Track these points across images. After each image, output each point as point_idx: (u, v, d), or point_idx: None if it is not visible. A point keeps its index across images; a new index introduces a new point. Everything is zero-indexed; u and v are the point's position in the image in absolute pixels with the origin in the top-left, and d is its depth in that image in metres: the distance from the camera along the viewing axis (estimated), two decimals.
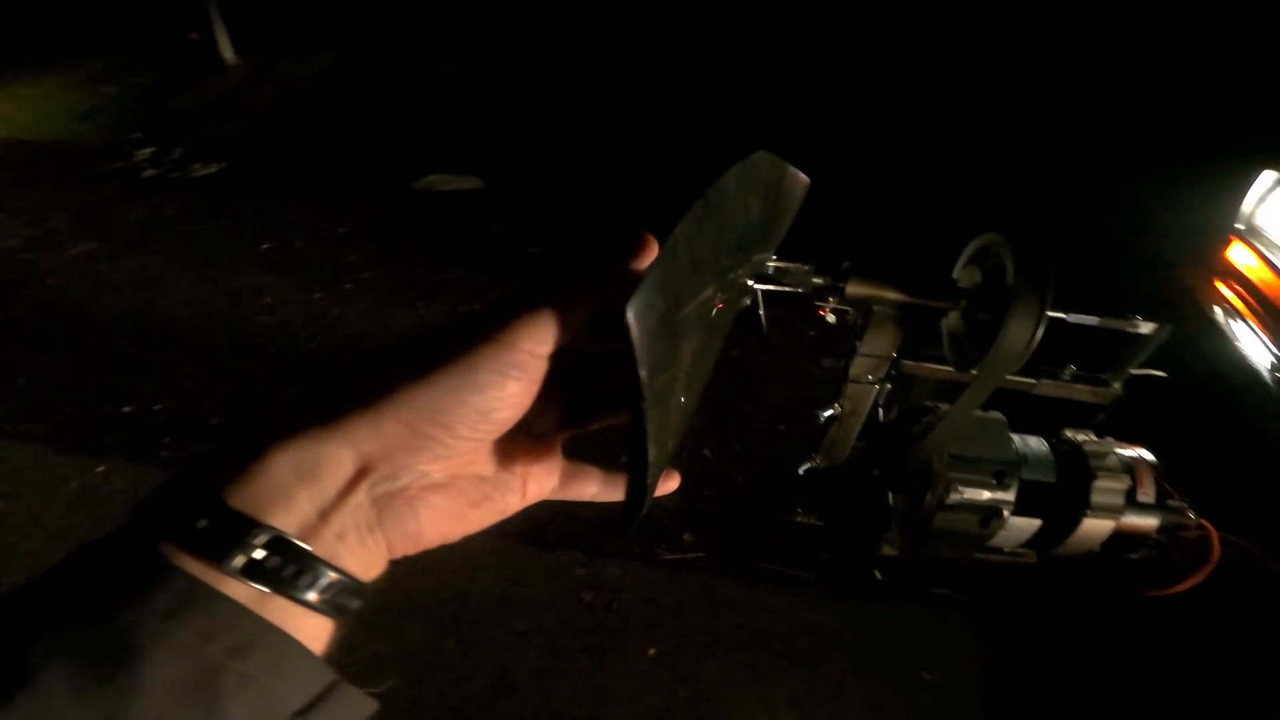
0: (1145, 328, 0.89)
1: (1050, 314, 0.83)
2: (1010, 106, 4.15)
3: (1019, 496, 1.07)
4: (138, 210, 3.36)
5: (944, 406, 1.16)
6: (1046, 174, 3.39)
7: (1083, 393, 0.99)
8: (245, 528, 0.25)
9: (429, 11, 5.74)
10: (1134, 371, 0.97)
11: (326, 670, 0.28)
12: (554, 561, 1.83)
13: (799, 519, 1.37)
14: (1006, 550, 1.22)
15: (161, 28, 5.32)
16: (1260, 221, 1.79)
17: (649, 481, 0.30)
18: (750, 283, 0.80)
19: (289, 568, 0.26)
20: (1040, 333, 0.74)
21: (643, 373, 0.26)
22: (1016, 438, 1.11)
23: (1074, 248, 1.99)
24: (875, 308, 0.87)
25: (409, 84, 4.85)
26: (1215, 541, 1.17)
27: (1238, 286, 1.77)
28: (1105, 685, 1.64)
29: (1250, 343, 1.62)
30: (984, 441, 1.07)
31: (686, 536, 1.94)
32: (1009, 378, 0.98)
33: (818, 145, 3.85)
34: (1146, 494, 1.08)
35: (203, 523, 0.25)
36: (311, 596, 0.27)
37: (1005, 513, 1.07)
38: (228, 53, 5.08)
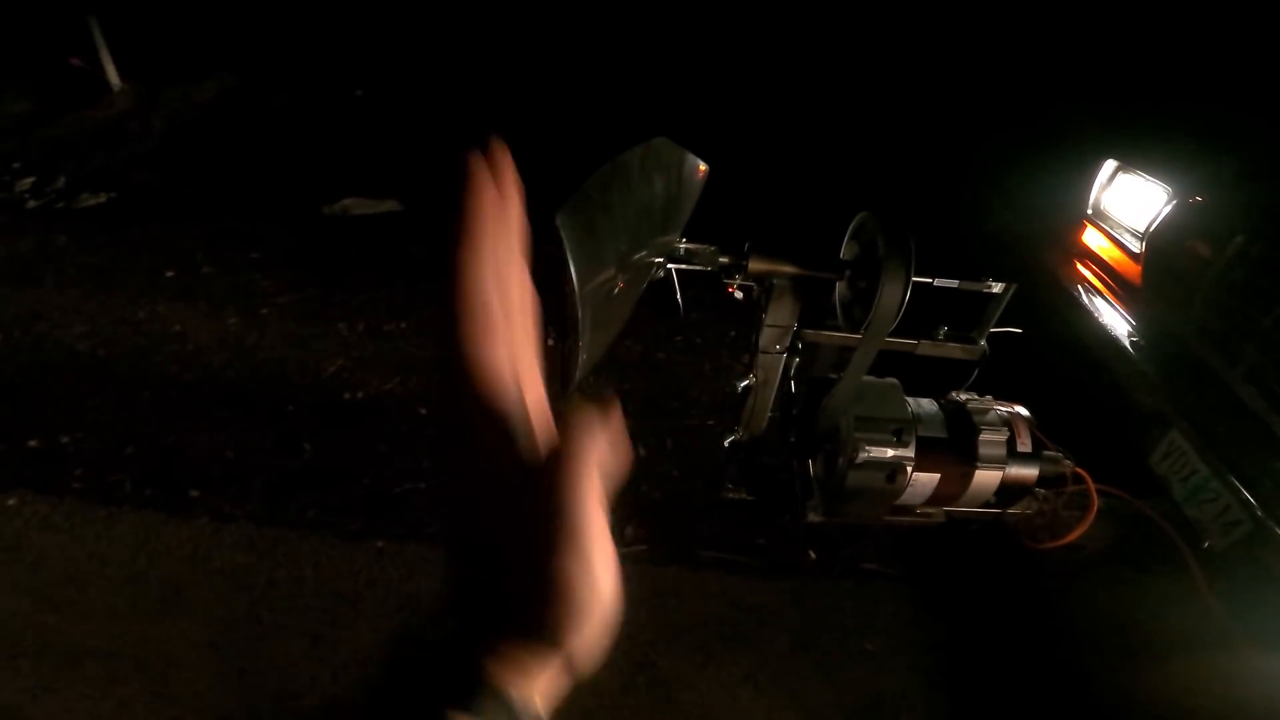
0: (996, 287, 1.04)
1: (918, 279, 0.96)
2: (877, 103, 4.58)
3: (918, 452, 1.19)
4: (25, 242, 3.16)
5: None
6: (915, 167, 3.77)
7: (955, 350, 1.13)
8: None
9: (334, 35, 5.65)
10: (993, 330, 1.12)
11: None
12: None
13: (729, 495, 1.45)
14: (917, 511, 1.34)
15: (41, 53, 5.00)
16: (1105, 206, 2.02)
17: (582, 354, 0.35)
18: (659, 261, 0.88)
19: None
20: (908, 293, 0.85)
21: (572, 265, 0.32)
22: (910, 400, 1.23)
23: (941, 238, 2.25)
24: (775, 281, 0.97)
25: (316, 108, 4.76)
26: (1093, 492, 1.32)
27: (1093, 266, 2.01)
28: (1021, 634, 1.77)
29: (1109, 315, 1.84)
30: (883, 403, 1.18)
31: (628, 531, 1.98)
32: (895, 340, 1.11)
33: (714, 141, 4.18)
34: (1025, 444, 1.22)
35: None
36: None
37: (908, 468, 1.19)
38: (114, 78, 4.82)
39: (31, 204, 3.49)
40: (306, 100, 4.81)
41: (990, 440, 1.20)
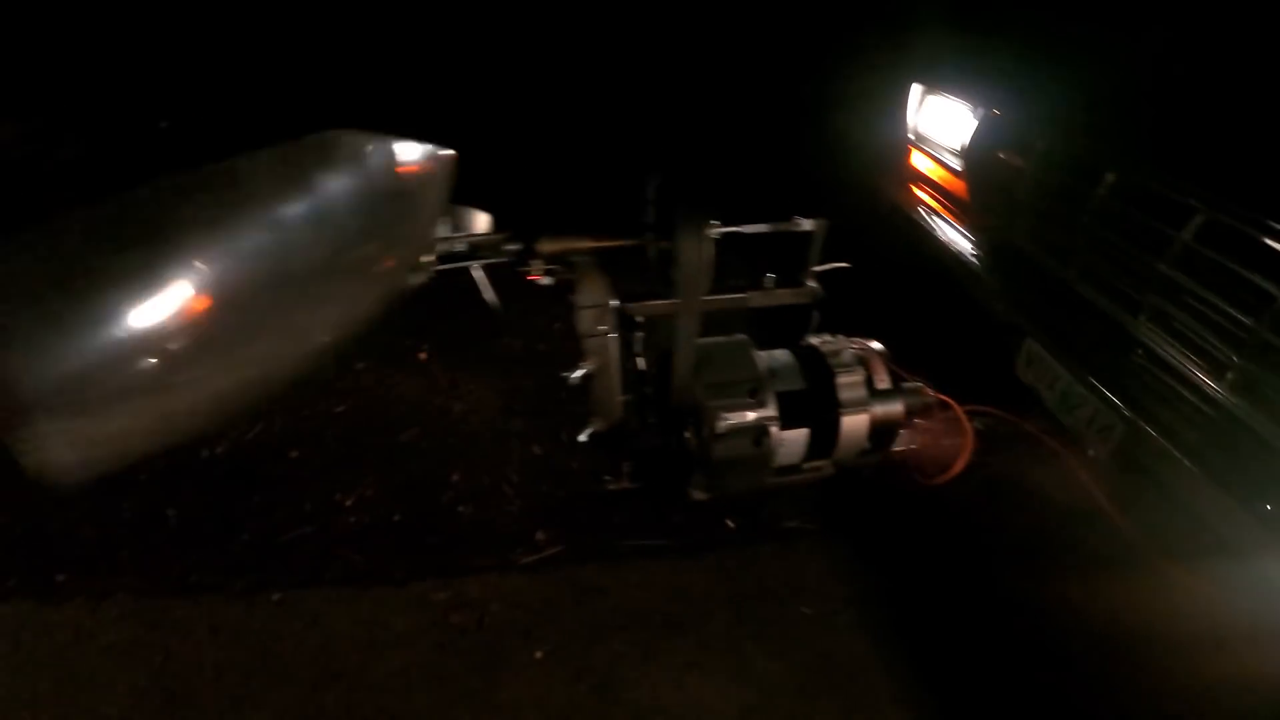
0: (807, 224, 0.99)
1: (728, 228, 0.90)
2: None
3: (780, 409, 1.14)
4: None
5: (702, 341, 1.21)
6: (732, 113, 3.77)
7: (787, 296, 1.09)
8: None
9: (124, 65, 5.02)
10: (820, 268, 1.07)
11: None
12: (410, 594, 1.77)
13: (611, 487, 1.38)
14: (804, 467, 1.29)
15: None
16: (923, 129, 2.06)
17: None
18: (427, 261, 0.79)
19: None
20: (709, 247, 0.79)
21: None
22: (764, 354, 1.18)
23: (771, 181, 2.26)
24: (576, 259, 0.88)
25: (116, 147, 4.25)
26: (964, 418, 1.30)
27: (926, 188, 2.05)
28: (943, 569, 1.80)
29: (950, 234, 1.88)
30: (732, 364, 1.13)
31: (539, 535, 1.93)
32: (723, 297, 1.05)
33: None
34: (883, 380, 1.19)
35: None
36: None
37: (773, 428, 1.14)
38: None
39: None
40: (104, 139, 4.31)
41: (848, 383, 1.16)
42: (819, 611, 1.73)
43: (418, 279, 0.78)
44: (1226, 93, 1.44)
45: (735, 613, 1.74)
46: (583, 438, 1.15)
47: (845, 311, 1.26)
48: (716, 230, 0.92)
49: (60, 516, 1.98)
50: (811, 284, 1.08)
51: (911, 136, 2.10)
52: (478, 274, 0.90)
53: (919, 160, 2.10)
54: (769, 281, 1.08)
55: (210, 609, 1.73)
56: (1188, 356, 1.31)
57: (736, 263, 1.18)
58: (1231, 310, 1.21)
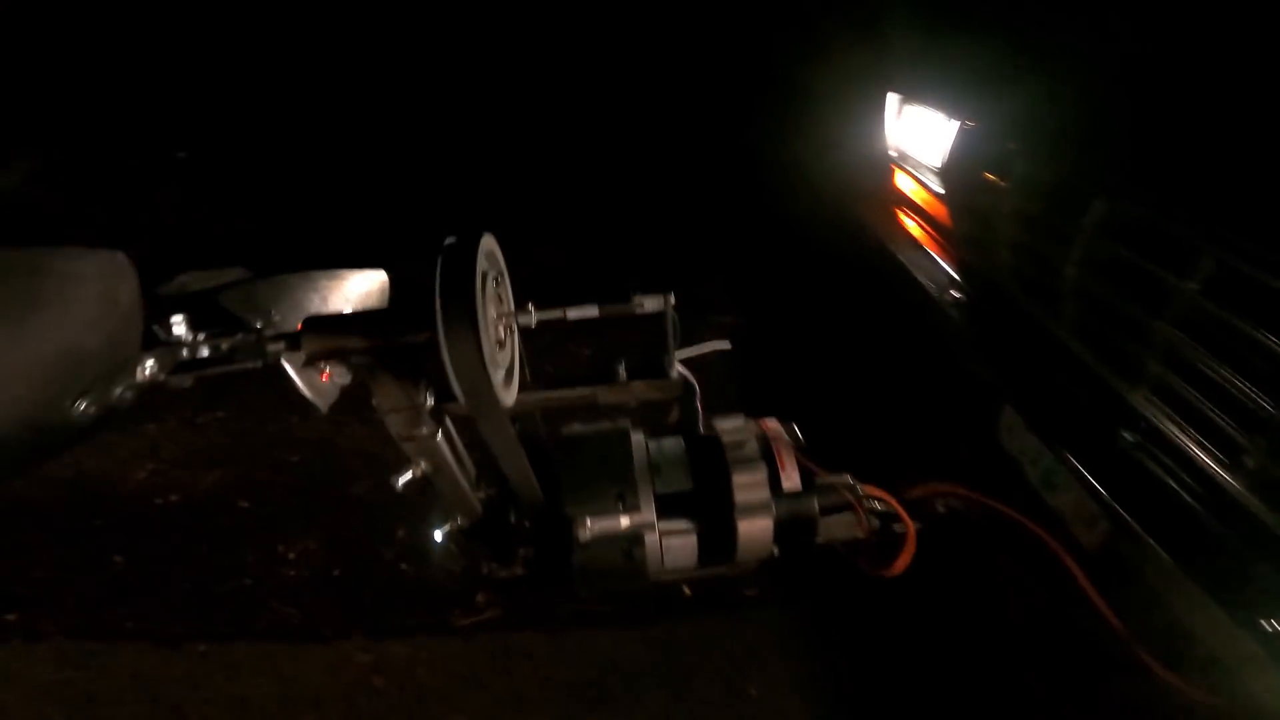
0: (650, 304, 0.79)
1: (547, 313, 0.73)
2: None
3: (660, 513, 0.96)
4: None
5: (578, 426, 1.04)
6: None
7: (648, 390, 0.89)
8: None
9: (143, 98, 5.08)
10: (689, 353, 0.88)
11: None
12: (334, 653, 1.74)
13: (502, 575, 1.22)
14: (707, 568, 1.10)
15: None
16: (903, 145, 1.79)
17: None
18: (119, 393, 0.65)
19: None
20: (487, 346, 0.62)
21: None
22: (650, 445, 0.99)
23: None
24: (354, 360, 0.73)
25: (136, 178, 4.35)
26: (904, 514, 1.07)
27: (911, 213, 1.77)
28: (912, 659, 1.62)
29: (931, 270, 1.59)
30: (603, 461, 0.95)
31: (479, 597, 1.85)
32: (563, 393, 0.88)
33: None
34: (791, 479, 0.98)
35: None
36: None
37: (652, 534, 0.96)
38: None
39: None
40: (124, 171, 4.41)
41: (746, 483, 0.96)
42: (765, 695, 1.59)
43: (131, 392, 0.65)
44: (1242, 103, 1.16)
45: (673, 691, 1.61)
46: (438, 535, 0.99)
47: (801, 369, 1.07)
48: (523, 319, 0.75)
49: (14, 559, 2.01)
50: (674, 373, 0.88)
51: (894, 155, 1.84)
52: (290, 368, 0.75)
53: (903, 180, 1.82)
54: (621, 373, 0.89)
55: (137, 655, 1.74)
56: (1195, 439, 1.05)
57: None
58: (1248, 388, 0.95)
